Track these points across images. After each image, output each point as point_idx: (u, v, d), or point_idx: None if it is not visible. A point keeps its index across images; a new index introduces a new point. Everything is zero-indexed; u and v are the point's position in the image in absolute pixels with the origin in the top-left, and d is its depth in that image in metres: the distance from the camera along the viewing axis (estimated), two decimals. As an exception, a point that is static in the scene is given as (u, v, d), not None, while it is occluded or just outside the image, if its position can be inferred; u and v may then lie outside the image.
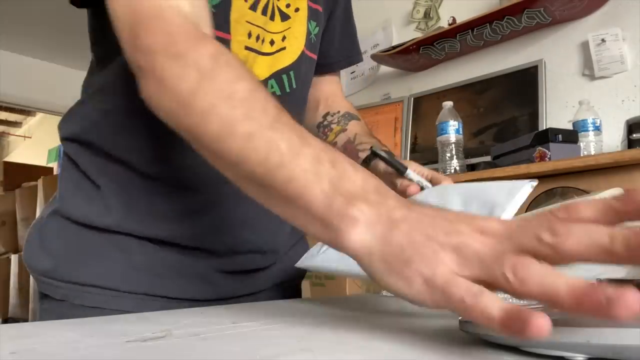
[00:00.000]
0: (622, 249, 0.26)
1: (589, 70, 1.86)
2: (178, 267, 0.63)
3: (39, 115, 6.32)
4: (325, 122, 0.81)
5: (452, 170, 1.72)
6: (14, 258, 3.63)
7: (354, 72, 2.58)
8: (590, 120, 1.58)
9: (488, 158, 1.73)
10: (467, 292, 0.28)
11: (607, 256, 0.26)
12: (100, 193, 0.63)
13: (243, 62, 0.46)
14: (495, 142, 1.84)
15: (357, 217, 0.33)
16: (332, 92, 0.89)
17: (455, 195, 0.56)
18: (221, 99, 0.40)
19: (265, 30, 0.65)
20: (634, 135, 1.43)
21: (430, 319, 0.43)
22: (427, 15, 2.35)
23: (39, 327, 0.44)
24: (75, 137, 0.65)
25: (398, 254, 0.31)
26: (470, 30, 2.00)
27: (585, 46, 1.87)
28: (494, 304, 0.27)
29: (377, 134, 2.22)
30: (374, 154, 0.68)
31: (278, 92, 0.67)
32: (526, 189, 0.51)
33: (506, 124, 1.87)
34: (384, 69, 2.46)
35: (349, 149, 0.75)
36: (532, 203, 1.40)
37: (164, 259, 0.63)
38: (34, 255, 0.71)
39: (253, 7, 0.63)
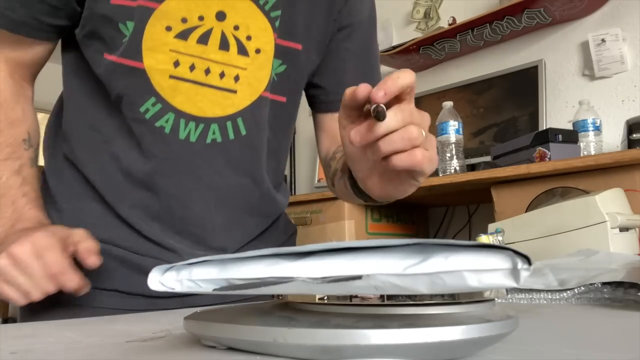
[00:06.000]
0: None
1: (589, 70, 1.86)
2: (137, 264, 0.66)
3: (39, 115, 6.31)
4: (331, 155, 0.78)
5: (452, 170, 1.72)
6: (14, 258, 3.62)
7: (354, 72, 2.58)
8: (590, 120, 1.58)
9: (488, 158, 1.73)
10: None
11: None
12: (51, 198, 0.69)
13: (13, 105, 0.74)
14: (495, 142, 1.84)
15: None
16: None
17: None
18: None
19: (208, 60, 0.64)
20: (634, 135, 1.43)
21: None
22: (427, 15, 2.35)
23: (39, 327, 0.44)
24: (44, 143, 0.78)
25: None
26: (470, 30, 1.99)
27: (585, 46, 1.87)
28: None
29: (377, 134, 2.23)
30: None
31: (219, 139, 0.66)
32: None
33: (506, 124, 1.87)
34: (384, 69, 2.46)
35: (341, 168, 0.71)
36: (533, 203, 1.40)
37: (119, 257, 0.66)
38: None
39: (182, 36, 0.62)
